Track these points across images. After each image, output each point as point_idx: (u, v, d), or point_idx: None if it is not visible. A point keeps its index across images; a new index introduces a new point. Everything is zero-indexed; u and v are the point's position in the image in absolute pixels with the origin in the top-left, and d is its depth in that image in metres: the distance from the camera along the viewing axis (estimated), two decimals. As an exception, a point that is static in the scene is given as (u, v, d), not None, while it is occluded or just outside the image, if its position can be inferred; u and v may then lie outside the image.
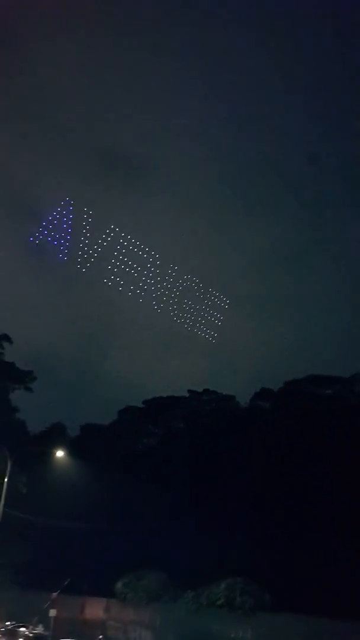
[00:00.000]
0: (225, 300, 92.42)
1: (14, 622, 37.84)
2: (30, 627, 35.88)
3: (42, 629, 35.01)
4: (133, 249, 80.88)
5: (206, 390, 58.42)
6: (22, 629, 35.08)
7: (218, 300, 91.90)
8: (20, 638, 32.94)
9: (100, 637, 33.45)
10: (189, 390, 59.26)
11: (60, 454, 38.51)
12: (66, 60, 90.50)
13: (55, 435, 57.57)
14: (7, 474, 31.69)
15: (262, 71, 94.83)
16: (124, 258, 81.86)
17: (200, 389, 58.83)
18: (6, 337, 44.39)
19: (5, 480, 31.63)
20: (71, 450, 43.00)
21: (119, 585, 36.44)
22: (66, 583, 35.47)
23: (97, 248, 78.54)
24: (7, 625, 36.71)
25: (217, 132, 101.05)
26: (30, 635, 32.94)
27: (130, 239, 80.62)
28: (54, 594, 35.74)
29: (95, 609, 38.63)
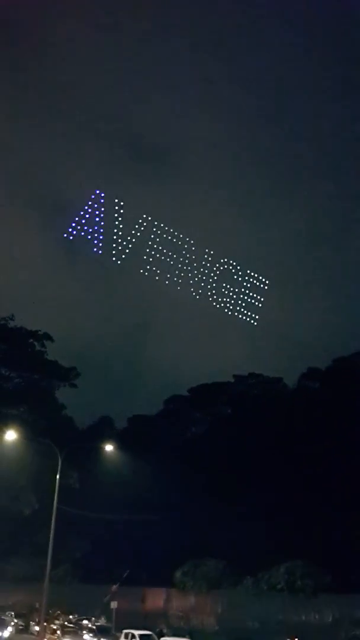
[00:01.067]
0: (265, 280, 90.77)
1: (76, 616, 38.40)
2: (93, 619, 36.24)
3: (105, 621, 35.26)
4: (167, 236, 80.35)
5: (252, 374, 57.53)
6: (85, 622, 35.46)
7: (257, 282, 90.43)
8: (84, 630, 33.23)
9: (162, 627, 33.34)
10: (234, 375, 58.52)
11: (109, 447, 38.49)
12: (91, 54, 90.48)
13: (103, 429, 57.99)
14: (59, 470, 31.74)
15: (289, 56, 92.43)
16: (158, 247, 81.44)
17: (245, 373, 57.99)
18: (47, 336, 44.68)
19: (57, 477, 31.69)
20: (120, 443, 42.97)
21: (178, 574, 36.31)
22: (125, 575, 35.57)
23: (131, 239, 78.32)
24: (71, 619, 37.24)
25: (247, 114, 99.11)
26: (93, 627, 33.17)
27: (164, 226, 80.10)
28: (114, 586, 35.90)
29: (155, 599, 38.66)
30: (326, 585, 29.52)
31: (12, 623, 36.09)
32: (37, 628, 34.50)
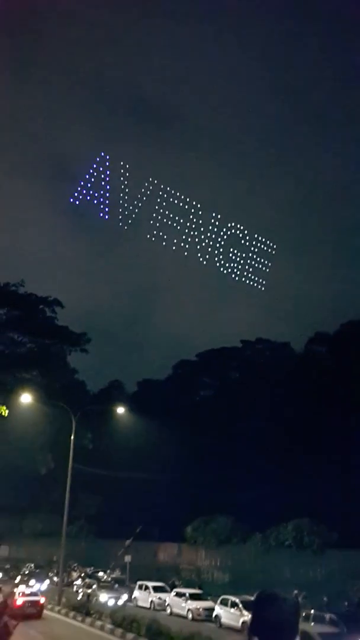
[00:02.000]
0: (273, 245, 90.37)
1: (92, 568, 40.21)
2: (108, 572, 37.97)
3: (119, 573, 36.88)
4: (173, 200, 79.68)
5: (259, 339, 58.08)
6: (101, 574, 37.18)
7: (265, 246, 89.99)
8: (100, 582, 34.84)
9: (174, 579, 34.89)
10: (242, 341, 59.10)
11: (120, 410, 39.56)
12: (95, 15, 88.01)
13: (113, 392, 59.19)
14: (73, 432, 32.79)
15: (297, 21, 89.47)
16: (165, 211, 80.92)
17: (253, 339, 58.54)
18: (57, 302, 45.15)
19: (72, 438, 32.76)
20: (130, 406, 44.11)
21: (188, 530, 37.73)
22: (138, 530, 36.97)
23: (137, 203, 77.83)
24: (87, 572, 39.03)
25: (254, 76, 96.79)
26: (109, 579, 34.75)
27: (170, 190, 79.35)
28: (128, 541, 37.39)
29: (167, 553, 40.36)
30: (332, 542, 30.65)
31: (50, 575, 37.28)
32: (56, 579, 36.34)
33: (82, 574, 38.01)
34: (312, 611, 20.48)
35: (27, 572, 40.62)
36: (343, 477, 34.36)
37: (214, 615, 25.17)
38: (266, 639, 2.55)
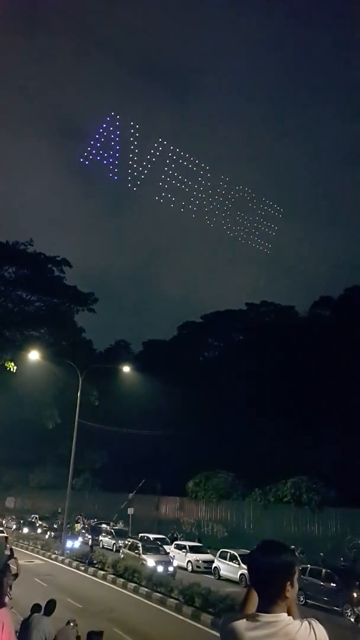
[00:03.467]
0: (279, 209, 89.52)
1: (96, 520, 41.77)
2: (111, 523, 39.43)
3: (122, 525, 38.28)
4: (182, 162, 78.69)
5: (264, 302, 58.47)
6: (104, 526, 38.63)
7: (272, 210, 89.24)
8: (103, 533, 36.23)
9: (174, 532, 36.18)
10: (247, 303, 59.50)
11: (126, 368, 40.31)
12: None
13: (119, 351, 60.05)
14: (80, 388, 33.56)
15: None
16: (173, 173, 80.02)
17: (258, 301, 58.92)
18: (66, 262, 45.25)
19: (79, 394, 33.55)
20: (136, 365, 44.89)
21: (190, 484, 38.87)
22: (141, 484, 38.13)
23: (146, 164, 76.92)
24: (91, 523, 40.55)
25: (266, 37, 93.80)
26: (112, 531, 36.11)
27: (179, 151, 78.28)
28: (131, 494, 38.62)
29: (169, 507, 41.75)
30: (330, 500, 31.48)
31: (83, 531, 37.44)
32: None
33: (86, 525, 39.51)
34: (309, 566, 21.39)
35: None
36: (343, 437, 35.17)
37: (213, 568, 26.17)
38: (260, 586, 2.59)
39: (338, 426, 36.23)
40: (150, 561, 24.64)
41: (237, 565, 24.19)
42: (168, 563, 24.99)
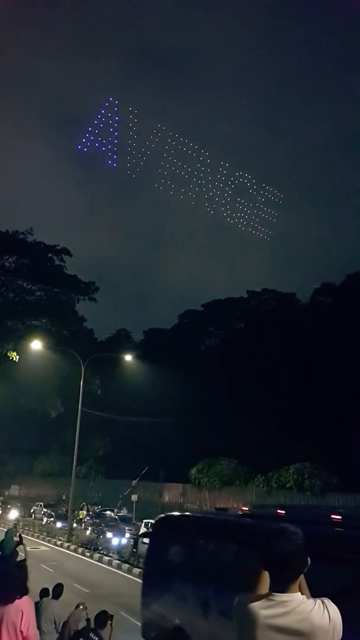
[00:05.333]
0: (280, 195, 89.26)
1: (100, 507, 42.14)
2: (115, 510, 39.81)
3: (126, 511, 38.65)
4: (182, 147, 78.40)
5: (265, 290, 58.42)
6: (108, 512, 38.99)
7: (272, 196, 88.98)
8: (107, 520, 36.57)
9: None
10: (248, 291, 59.45)
11: (128, 357, 40.46)
12: None
13: (121, 340, 60.19)
14: (82, 377, 33.71)
15: None
16: (173, 159, 79.72)
17: (259, 289, 58.86)
18: (66, 251, 45.04)
19: (82, 383, 33.71)
20: (137, 354, 45.04)
21: (193, 471, 39.21)
22: (144, 471, 38.45)
23: (146, 151, 76.59)
24: (96, 510, 40.92)
25: (266, 18, 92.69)
26: (116, 517, 36.46)
27: (178, 137, 77.98)
28: (134, 481, 38.95)
29: (172, 494, 42.13)
30: (333, 485, 31.82)
31: (87, 518, 37.24)
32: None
33: (90, 512, 39.90)
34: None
35: None
36: (345, 424, 35.35)
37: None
38: (275, 571, 2.68)
39: (340, 413, 36.40)
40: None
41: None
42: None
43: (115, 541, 27.51)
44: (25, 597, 5.16)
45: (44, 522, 39.16)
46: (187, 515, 13.18)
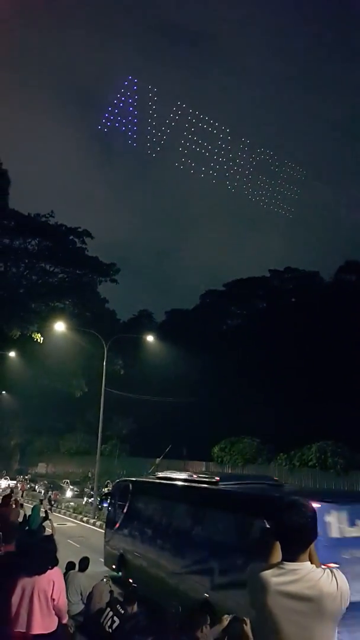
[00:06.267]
0: (302, 171, 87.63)
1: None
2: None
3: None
4: (202, 125, 77.27)
5: (287, 269, 57.91)
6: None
7: (294, 172, 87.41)
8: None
9: None
10: (270, 270, 59.02)
11: (150, 338, 40.73)
12: None
13: (143, 321, 60.57)
14: (105, 358, 34.13)
15: None
16: (193, 137, 78.65)
17: (281, 268, 58.38)
18: (87, 233, 45.26)
19: (104, 363, 34.15)
20: (159, 335, 45.30)
21: (215, 449, 39.54)
22: (167, 450, 38.90)
23: (166, 129, 75.68)
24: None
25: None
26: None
27: (199, 114, 76.78)
28: (158, 459, 39.44)
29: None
30: (356, 463, 31.71)
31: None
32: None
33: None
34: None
35: None
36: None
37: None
38: (286, 541, 2.81)
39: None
40: None
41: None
42: None
43: None
44: (56, 568, 5.46)
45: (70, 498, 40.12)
46: (131, 479, 16.56)
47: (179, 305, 65.84)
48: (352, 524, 7.32)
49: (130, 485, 15.09)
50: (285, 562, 2.79)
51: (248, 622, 5.24)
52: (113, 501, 16.74)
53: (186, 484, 12.08)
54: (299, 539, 2.79)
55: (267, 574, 2.78)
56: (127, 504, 14.46)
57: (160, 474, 14.57)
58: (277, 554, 2.88)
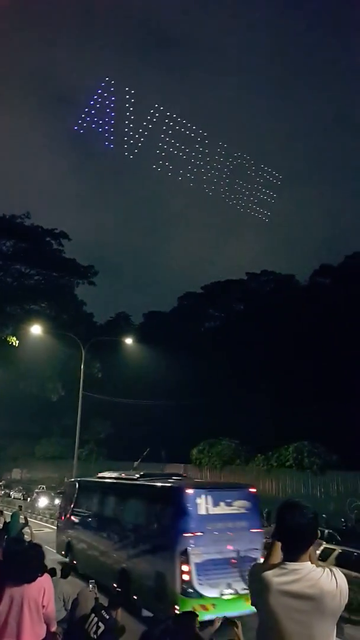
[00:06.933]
0: (278, 176, 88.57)
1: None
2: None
3: (129, 492, 39.07)
4: (179, 128, 77.45)
5: (264, 271, 58.48)
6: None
7: (271, 177, 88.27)
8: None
9: None
10: (247, 273, 59.49)
11: (127, 340, 40.58)
12: None
13: (120, 324, 60.33)
14: (83, 361, 33.84)
15: None
16: (170, 140, 78.79)
17: (258, 271, 58.91)
18: (64, 234, 45.03)
19: (82, 366, 33.86)
20: (137, 337, 45.16)
21: (194, 452, 39.56)
22: (146, 452, 38.77)
23: (143, 131, 75.61)
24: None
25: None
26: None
27: (176, 117, 76.92)
28: (136, 462, 39.24)
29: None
30: (332, 463, 32.12)
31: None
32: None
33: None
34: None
35: None
36: (344, 403, 35.66)
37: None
38: (288, 542, 2.87)
39: (339, 392, 36.70)
40: None
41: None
42: None
43: None
44: (45, 575, 5.38)
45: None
46: (77, 479, 19.54)
47: (157, 307, 65.80)
48: (215, 505, 10.21)
49: (77, 484, 17.60)
50: (286, 562, 2.84)
51: (239, 624, 5.26)
52: (64, 498, 19.84)
53: (116, 481, 14.69)
54: (300, 539, 2.85)
55: (269, 574, 2.83)
56: (74, 500, 16.70)
57: (100, 474, 16.62)
58: (278, 554, 2.94)
